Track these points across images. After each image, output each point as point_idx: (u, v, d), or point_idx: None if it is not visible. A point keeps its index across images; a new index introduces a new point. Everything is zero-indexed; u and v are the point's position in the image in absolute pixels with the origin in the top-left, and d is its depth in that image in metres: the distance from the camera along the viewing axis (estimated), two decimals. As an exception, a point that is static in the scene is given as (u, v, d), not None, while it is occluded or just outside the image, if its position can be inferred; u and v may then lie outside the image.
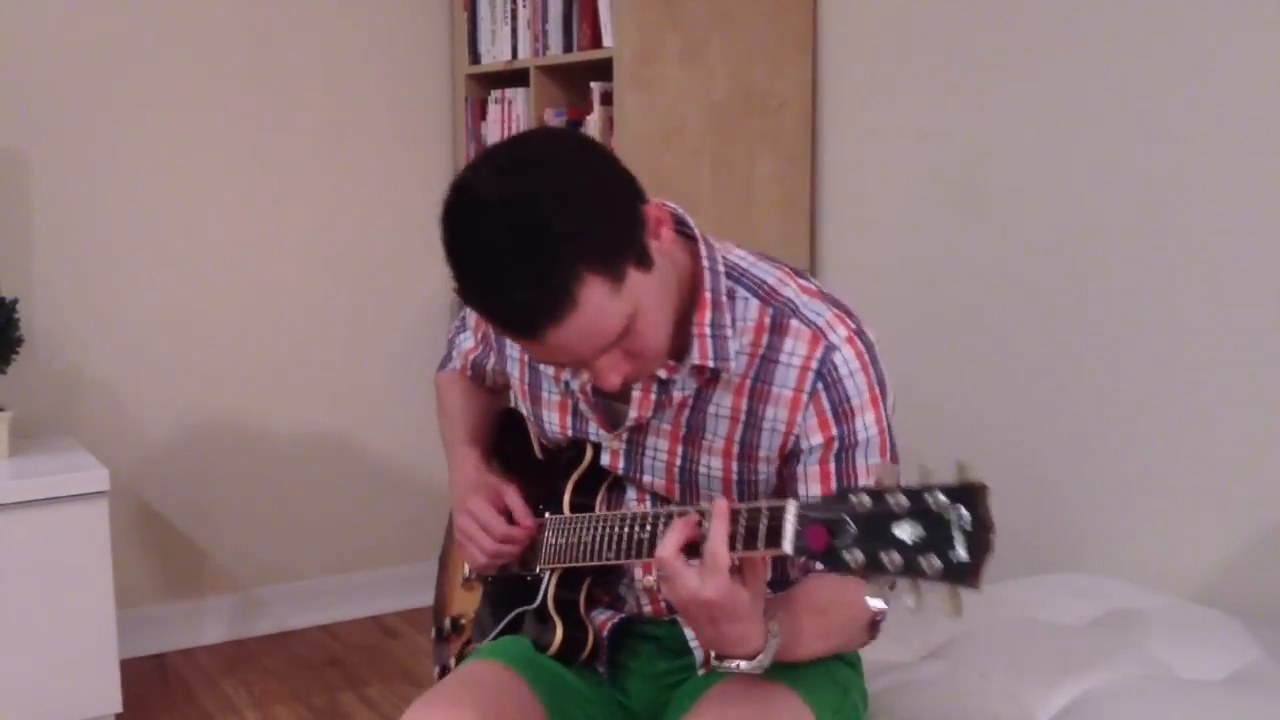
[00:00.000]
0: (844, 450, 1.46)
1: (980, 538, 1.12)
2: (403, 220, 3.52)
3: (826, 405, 1.45)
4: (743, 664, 1.35)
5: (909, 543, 1.15)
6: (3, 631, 2.67)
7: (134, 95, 3.16)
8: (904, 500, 1.16)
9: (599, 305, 1.31)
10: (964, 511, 1.12)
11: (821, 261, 2.99)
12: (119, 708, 2.82)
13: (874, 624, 1.52)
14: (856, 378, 1.45)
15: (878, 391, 1.47)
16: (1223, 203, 2.15)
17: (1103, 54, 2.32)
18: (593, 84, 2.95)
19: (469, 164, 1.38)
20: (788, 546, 1.23)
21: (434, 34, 3.51)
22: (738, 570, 1.30)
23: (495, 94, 3.33)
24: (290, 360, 3.43)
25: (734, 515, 1.30)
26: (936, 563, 1.13)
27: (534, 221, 1.28)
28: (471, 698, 1.49)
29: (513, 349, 1.68)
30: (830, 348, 1.44)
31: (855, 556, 1.18)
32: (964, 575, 1.12)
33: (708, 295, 1.47)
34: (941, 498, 1.13)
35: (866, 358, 1.46)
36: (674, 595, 1.32)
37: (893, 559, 1.16)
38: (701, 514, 1.33)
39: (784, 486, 1.52)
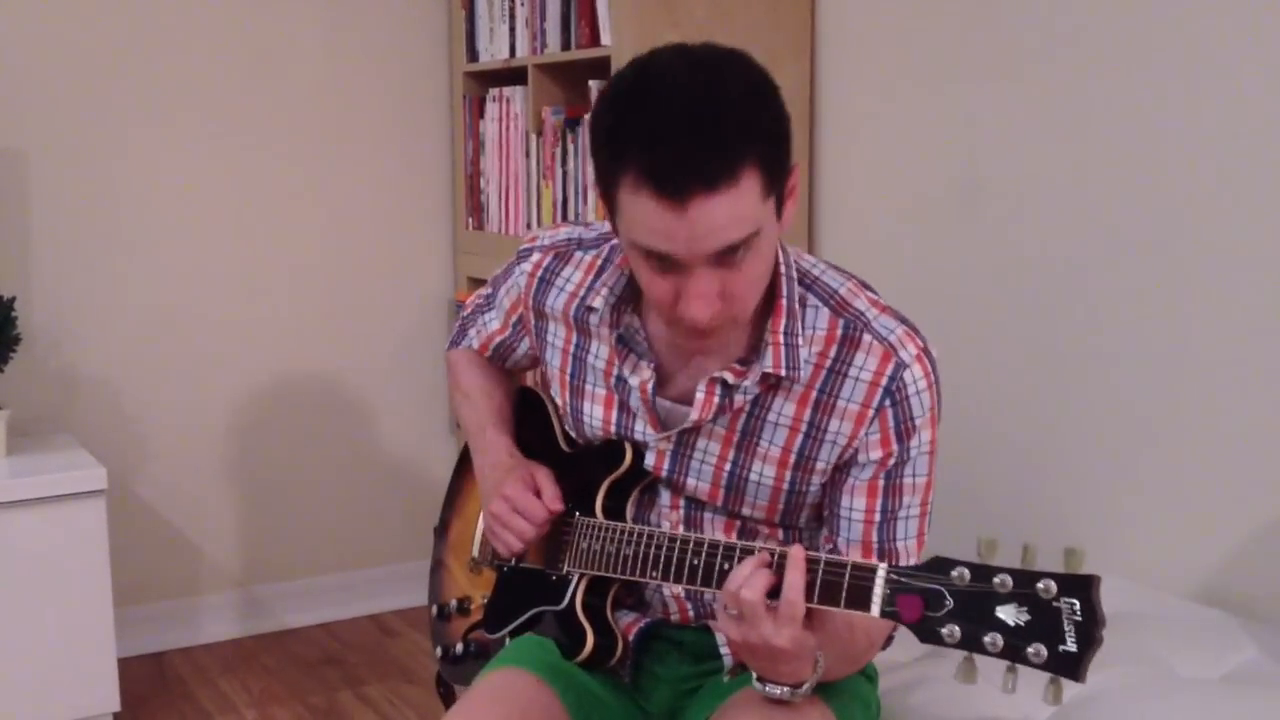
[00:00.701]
0: (897, 465, 1.46)
1: (1090, 631, 1.12)
2: (402, 218, 3.52)
3: (891, 422, 1.45)
4: (787, 690, 1.37)
5: (1012, 626, 1.14)
6: (1, 630, 2.67)
7: (132, 94, 3.16)
8: (1009, 582, 1.15)
9: (748, 198, 1.30)
10: (1077, 604, 1.12)
11: (818, 257, 2.98)
12: (117, 706, 2.82)
13: (889, 639, 1.53)
14: (923, 396, 1.45)
15: (938, 412, 1.47)
16: (1223, 200, 2.15)
17: (1102, 50, 2.32)
18: (591, 82, 2.95)
19: (647, 53, 1.36)
20: (875, 610, 1.23)
21: (432, 32, 3.51)
22: (806, 617, 1.30)
23: (493, 92, 3.33)
24: (288, 358, 3.43)
25: (810, 564, 1.29)
26: (1043, 651, 1.12)
27: (724, 96, 1.29)
28: (505, 711, 1.50)
29: (556, 337, 1.62)
30: (901, 365, 1.44)
31: (952, 632, 1.18)
32: (1071, 667, 1.12)
33: (783, 302, 1.46)
34: (1053, 586, 1.13)
35: (933, 377, 1.46)
36: (740, 634, 1.32)
37: (995, 641, 1.15)
38: (773, 554, 1.32)
39: (824, 492, 1.52)
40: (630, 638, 1.60)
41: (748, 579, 1.31)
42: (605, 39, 2.84)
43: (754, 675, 1.38)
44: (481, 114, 3.40)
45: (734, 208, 1.29)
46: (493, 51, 3.30)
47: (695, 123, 1.27)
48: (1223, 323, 2.16)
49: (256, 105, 3.31)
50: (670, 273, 1.34)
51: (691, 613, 1.59)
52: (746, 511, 1.53)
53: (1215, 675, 1.86)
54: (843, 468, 1.48)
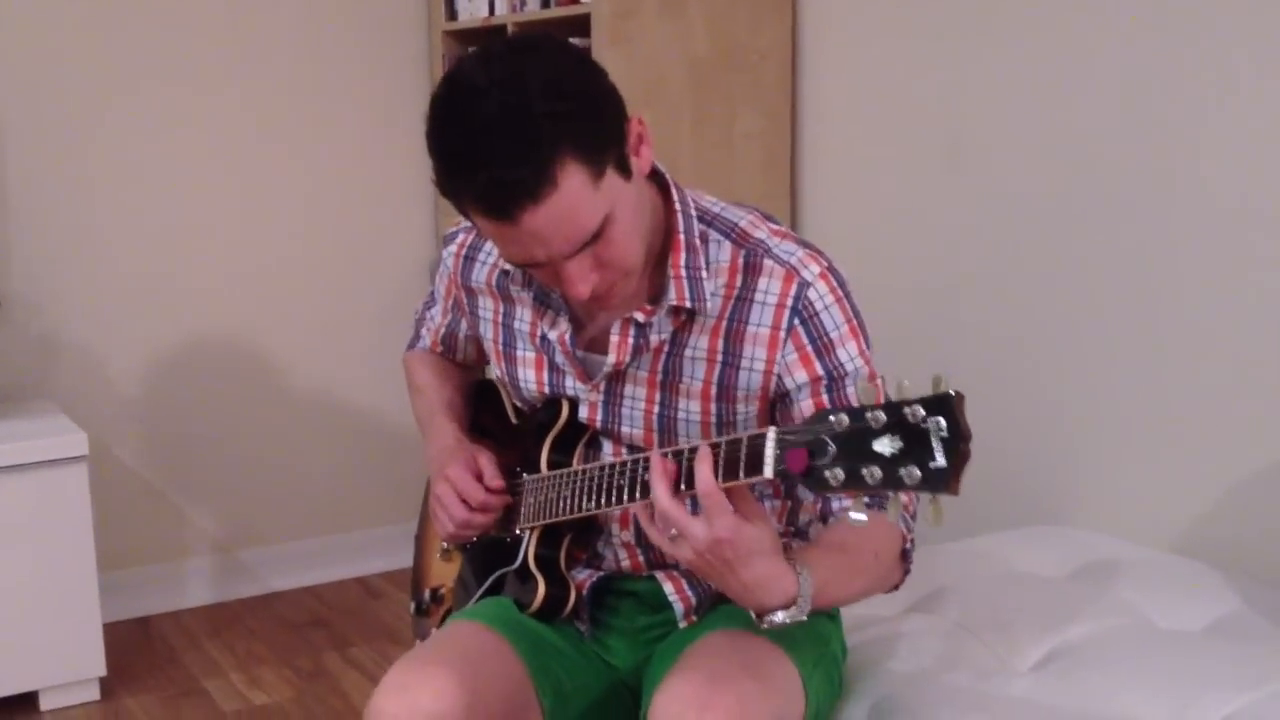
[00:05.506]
0: (834, 382, 1.47)
1: (957, 445, 1.13)
2: (383, 179, 3.50)
3: (805, 340, 1.47)
4: (781, 614, 1.33)
5: (888, 455, 1.16)
6: (-16, 596, 2.67)
7: (109, 59, 3.12)
8: (882, 415, 1.17)
9: (577, 193, 1.31)
10: (941, 421, 1.14)
11: (802, 215, 2.98)
12: (103, 671, 2.82)
13: (905, 554, 1.51)
14: (832, 311, 1.47)
15: (855, 324, 1.49)
16: (1208, 159, 2.14)
17: (1087, 6, 2.31)
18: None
19: (455, 65, 1.39)
20: (768, 471, 1.24)
21: (410, -10, 3.48)
22: (743, 506, 1.31)
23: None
24: (270, 322, 3.41)
25: (714, 449, 1.30)
26: (916, 472, 1.14)
27: (520, 101, 1.29)
28: (451, 657, 1.49)
29: (485, 310, 1.67)
30: (804, 284, 1.47)
31: (835, 474, 1.19)
32: (943, 482, 1.13)
33: (681, 238, 1.49)
34: (919, 410, 1.15)
35: (840, 292, 1.49)
36: (686, 552, 1.31)
37: (872, 473, 1.17)
38: (679, 453, 1.33)
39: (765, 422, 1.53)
40: (584, 591, 1.62)
41: (656, 488, 1.32)
42: (585, -5, 2.81)
43: (753, 615, 1.36)
44: (461, 73, 3.37)
45: (566, 208, 1.31)
46: (472, 10, 3.27)
47: (500, 139, 1.29)
48: (1206, 278, 2.16)
49: (233, 68, 3.27)
50: (543, 267, 1.39)
51: (641, 558, 1.62)
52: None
53: (1197, 628, 1.86)
54: (780, 399, 1.50)
